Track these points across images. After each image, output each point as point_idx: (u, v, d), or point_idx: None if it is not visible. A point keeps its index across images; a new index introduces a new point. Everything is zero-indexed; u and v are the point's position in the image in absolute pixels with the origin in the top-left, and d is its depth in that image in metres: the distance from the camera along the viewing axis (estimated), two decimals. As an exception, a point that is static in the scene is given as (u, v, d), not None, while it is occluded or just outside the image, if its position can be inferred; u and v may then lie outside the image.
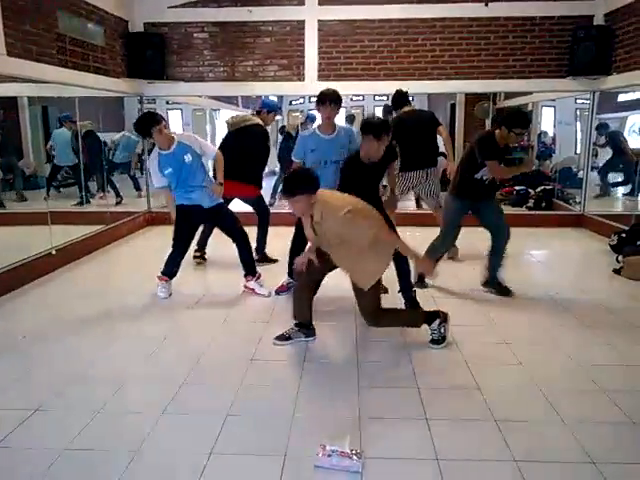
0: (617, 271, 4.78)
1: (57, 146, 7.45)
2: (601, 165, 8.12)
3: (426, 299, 3.99)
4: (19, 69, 4.57)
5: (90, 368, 3.00)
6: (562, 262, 5.50)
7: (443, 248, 4.38)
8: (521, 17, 6.56)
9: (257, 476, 2.08)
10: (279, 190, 8.64)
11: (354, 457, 2.09)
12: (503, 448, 2.22)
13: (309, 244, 3.34)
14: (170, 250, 4.22)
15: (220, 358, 3.14)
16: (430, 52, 6.71)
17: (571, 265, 5.43)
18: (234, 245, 4.32)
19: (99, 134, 7.68)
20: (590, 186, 7.17)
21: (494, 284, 4.19)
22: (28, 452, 2.22)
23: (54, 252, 5.00)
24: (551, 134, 9.78)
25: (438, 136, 5.15)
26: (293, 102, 10.67)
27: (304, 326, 3.31)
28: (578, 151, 8.58)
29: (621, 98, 7.72)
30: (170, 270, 4.22)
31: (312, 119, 8.06)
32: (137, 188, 8.31)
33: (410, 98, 5.39)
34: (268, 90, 6.88)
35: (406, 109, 5.15)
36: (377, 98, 10.06)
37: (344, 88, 6.78)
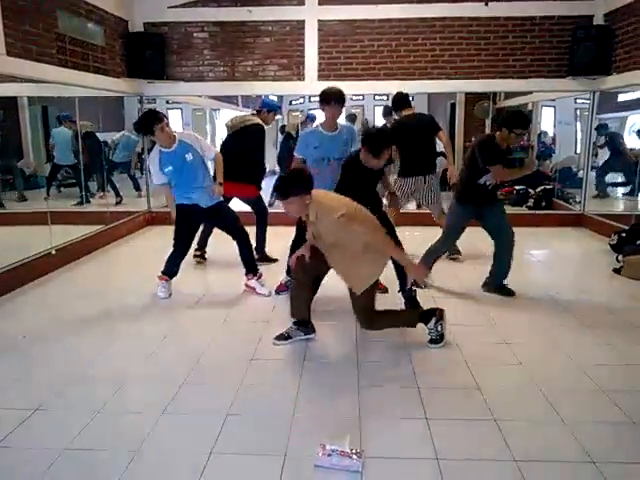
0: (617, 271, 4.78)
1: (57, 145, 7.45)
2: (598, 166, 8.12)
3: (426, 299, 3.99)
4: (19, 69, 4.57)
5: (90, 368, 3.00)
6: (562, 262, 5.50)
7: (443, 249, 4.37)
8: (521, 17, 6.56)
9: (257, 476, 2.08)
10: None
11: (354, 456, 2.09)
12: (503, 448, 2.22)
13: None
14: (171, 250, 4.22)
15: (220, 358, 3.14)
16: (430, 52, 6.71)
17: (571, 265, 5.43)
18: (234, 244, 4.32)
19: (99, 134, 7.68)
20: (590, 186, 7.18)
21: (498, 288, 4.16)
22: (28, 452, 2.22)
23: (54, 252, 5.00)
24: (551, 134, 9.78)
25: (437, 140, 5.14)
26: (293, 102, 10.67)
27: (302, 324, 3.31)
28: (578, 151, 8.59)
29: (621, 98, 7.73)
30: (170, 270, 4.22)
31: (312, 119, 8.06)
32: (137, 188, 8.31)
33: (410, 98, 5.39)
34: (268, 90, 6.88)
35: (406, 112, 5.13)
36: (377, 98, 10.06)
37: (344, 88, 6.70)
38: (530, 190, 7.93)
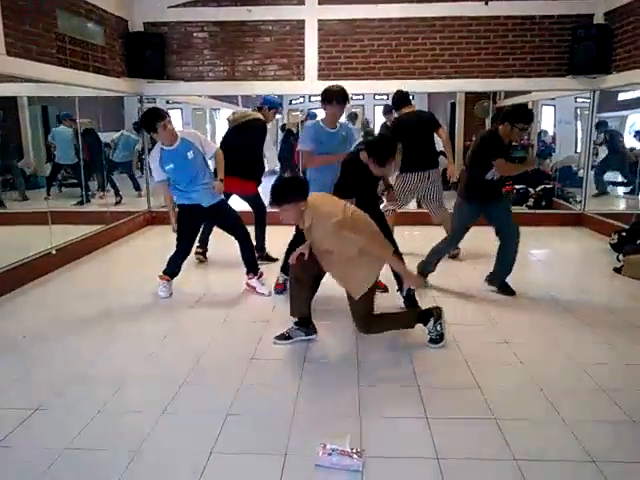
0: (617, 270, 4.78)
1: (57, 144, 7.45)
2: (596, 164, 8.13)
3: (426, 298, 4.00)
4: (19, 69, 4.57)
5: (90, 368, 2.99)
6: (562, 261, 5.50)
7: (448, 249, 4.32)
8: (521, 16, 6.56)
9: (257, 475, 2.08)
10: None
11: (354, 456, 2.09)
12: (503, 447, 2.22)
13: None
14: (173, 250, 4.22)
15: (220, 358, 3.14)
16: (430, 51, 6.71)
17: (571, 264, 5.43)
18: (235, 244, 4.32)
19: (99, 134, 7.68)
20: (590, 185, 7.18)
21: (500, 285, 4.15)
22: (28, 452, 2.22)
23: (54, 252, 5.00)
24: (551, 133, 9.78)
25: (437, 137, 5.15)
26: (293, 101, 10.66)
27: (303, 324, 3.31)
28: (578, 150, 8.59)
29: (621, 97, 7.73)
30: (172, 270, 4.22)
31: (313, 117, 8.05)
32: (137, 188, 8.31)
33: (410, 97, 5.39)
34: (268, 89, 6.86)
35: (406, 110, 5.15)
36: (377, 97, 10.06)
37: (344, 87, 6.82)
38: (530, 189, 7.93)
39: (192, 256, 4.82)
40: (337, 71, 6.78)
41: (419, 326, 3.24)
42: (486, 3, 6.42)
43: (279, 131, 10.12)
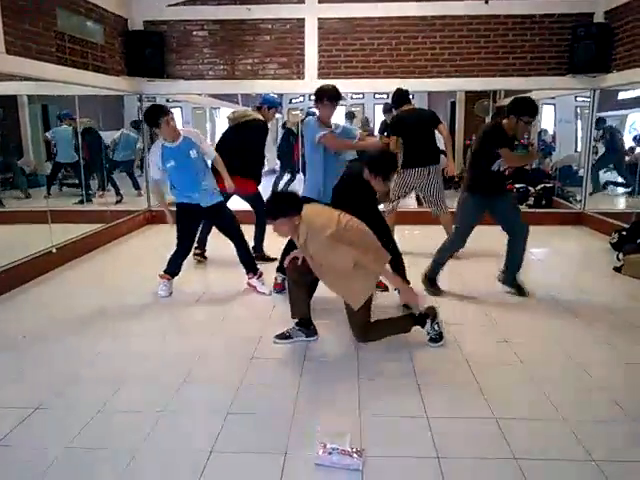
0: (618, 269, 4.78)
1: (58, 143, 7.45)
2: (594, 162, 8.14)
3: (426, 298, 4.00)
4: (18, 67, 4.57)
5: (90, 368, 2.99)
6: (562, 260, 5.50)
7: (453, 248, 4.21)
8: (521, 15, 6.55)
9: (258, 475, 2.08)
10: (279, 188, 8.64)
11: (355, 455, 2.09)
12: (504, 446, 2.22)
13: None
14: (174, 249, 4.23)
15: (220, 357, 3.14)
16: (430, 50, 6.71)
17: (571, 263, 5.43)
18: (232, 243, 4.32)
19: (100, 132, 7.66)
20: (589, 184, 7.17)
21: (513, 284, 4.12)
22: (28, 451, 2.22)
23: (54, 250, 5.00)
24: (551, 132, 9.77)
25: (437, 135, 5.15)
26: (293, 100, 10.65)
27: (304, 324, 3.30)
28: (578, 149, 8.58)
29: (621, 96, 7.72)
30: (172, 269, 4.22)
31: (313, 114, 8.04)
32: (136, 187, 8.30)
33: (410, 96, 5.39)
34: (268, 88, 6.86)
35: (406, 107, 5.15)
36: (377, 96, 10.04)
37: (344, 86, 6.76)
38: (530, 188, 7.92)
39: (191, 256, 4.82)
40: (337, 70, 6.78)
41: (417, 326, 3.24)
42: (486, 2, 6.41)
43: (279, 129, 10.08)
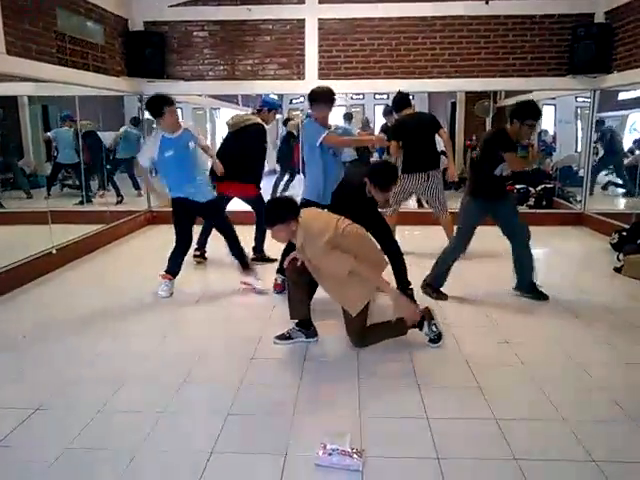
0: (618, 270, 4.78)
1: (59, 145, 7.45)
2: (594, 163, 8.14)
3: (426, 298, 4.00)
4: (19, 68, 4.57)
5: (90, 368, 2.99)
6: (563, 261, 5.49)
7: (454, 255, 4.12)
8: (521, 15, 6.56)
9: (258, 475, 2.08)
10: (279, 189, 8.64)
11: (355, 456, 2.09)
12: (504, 447, 2.22)
13: None
14: (173, 247, 4.23)
15: (220, 357, 3.14)
16: (430, 50, 6.71)
17: (572, 264, 5.43)
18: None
19: (100, 133, 7.67)
20: (589, 185, 7.17)
21: (529, 289, 4.06)
22: (28, 452, 2.22)
23: (54, 251, 5.00)
24: (551, 132, 9.77)
25: (438, 138, 5.15)
26: (294, 101, 10.65)
27: (304, 325, 3.30)
28: (578, 150, 8.58)
29: (622, 96, 7.71)
30: (173, 269, 4.23)
31: (310, 116, 8.02)
32: (136, 187, 8.30)
33: (410, 97, 5.40)
34: (268, 89, 6.87)
35: (407, 111, 5.15)
36: (377, 97, 10.05)
37: (344, 87, 6.84)
38: (531, 189, 7.93)
39: (191, 257, 4.83)
40: (337, 70, 6.78)
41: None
42: (486, 2, 6.42)
43: (282, 127, 10.05)
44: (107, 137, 7.99)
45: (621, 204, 8.28)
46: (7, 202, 7.05)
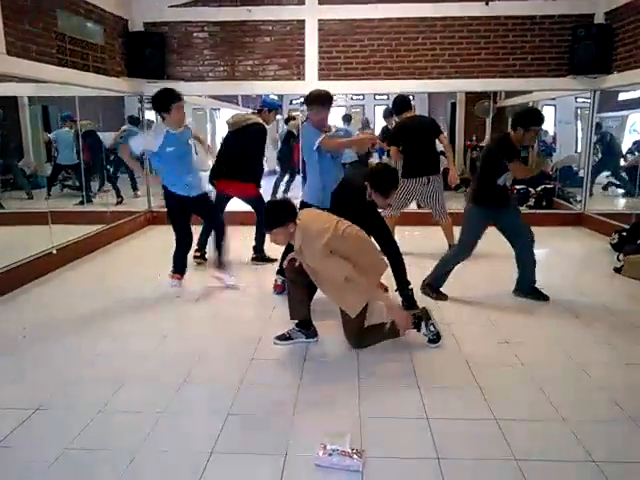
0: (618, 270, 4.78)
1: (59, 146, 7.45)
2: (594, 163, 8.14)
3: (425, 299, 4.00)
4: (19, 68, 4.57)
5: (90, 368, 2.99)
6: (563, 261, 5.49)
7: (457, 259, 4.11)
8: (521, 16, 6.56)
9: (258, 475, 2.08)
10: (279, 189, 8.65)
11: (355, 456, 2.09)
12: (504, 447, 2.22)
13: None
14: (175, 247, 4.25)
15: (220, 357, 3.14)
16: (430, 51, 6.71)
17: (572, 264, 5.43)
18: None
19: (100, 134, 7.67)
20: (589, 185, 7.18)
21: (530, 291, 4.07)
22: (28, 452, 2.22)
23: (55, 252, 5.00)
24: (551, 133, 9.78)
25: (438, 142, 5.15)
26: (294, 101, 10.66)
27: (304, 325, 3.30)
28: (578, 150, 8.59)
29: (622, 97, 7.72)
30: (179, 268, 4.28)
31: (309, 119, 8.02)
32: (134, 188, 8.31)
33: (410, 97, 5.40)
34: (268, 89, 6.88)
35: (408, 114, 5.15)
36: (377, 97, 10.06)
37: (344, 87, 6.85)
38: (530, 189, 7.93)
39: (191, 259, 4.82)
40: (337, 71, 6.78)
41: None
42: (486, 3, 6.42)
43: (282, 126, 10.04)
44: (107, 137, 7.99)
45: (621, 204, 8.28)
46: (7, 202, 7.05)
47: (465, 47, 6.67)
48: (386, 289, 4.00)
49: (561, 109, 9.37)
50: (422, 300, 3.86)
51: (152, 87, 6.95)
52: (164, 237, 4.49)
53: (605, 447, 2.23)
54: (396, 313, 3.08)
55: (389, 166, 4.02)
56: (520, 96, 8.59)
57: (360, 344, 3.16)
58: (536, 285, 4.08)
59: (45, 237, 4.99)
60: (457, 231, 4.61)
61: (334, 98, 4.07)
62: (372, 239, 3.43)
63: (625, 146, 8.36)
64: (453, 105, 9.57)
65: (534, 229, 4.07)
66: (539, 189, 7.85)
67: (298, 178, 8.47)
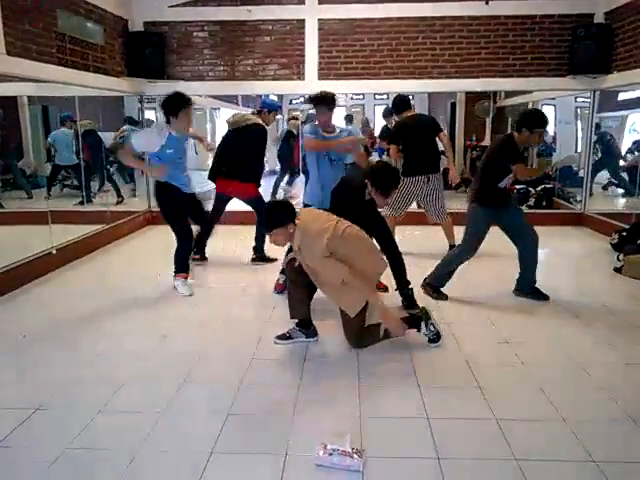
0: (618, 270, 4.78)
1: (57, 147, 7.44)
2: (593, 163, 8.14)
3: (425, 298, 4.00)
4: (19, 68, 4.57)
5: (90, 368, 2.99)
6: (563, 261, 5.49)
7: (460, 259, 4.10)
8: (521, 15, 6.56)
9: (258, 475, 2.08)
10: (279, 189, 8.65)
11: (355, 456, 2.09)
12: (504, 447, 2.22)
13: None
14: (176, 247, 4.25)
15: (220, 357, 3.14)
16: (430, 50, 6.71)
17: (572, 264, 5.43)
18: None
19: (100, 133, 7.66)
20: (589, 185, 7.18)
21: (530, 291, 4.07)
22: (28, 452, 2.22)
23: (54, 251, 5.00)
24: (551, 133, 9.77)
25: (438, 141, 5.15)
26: (293, 101, 10.66)
27: (304, 325, 3.30)
28: (578, 150, 8.59)
29: (621, 97, 7.72)
30: (183, 268, 4.27)
31: (312, 120, 8.03)
32: (132, 188, 8.31)
33: (410, 97, 5.40)
34: (268, 89, 6.88)
35: (408, 114, 5.15)
36: (377, 97, 10.05)
37: (344, 87, 6.84)
38: (531, 189, 7.93)
39: (191, 260, 4.82)
40: (337, 71, 6.78)
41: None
42: (486, 3, 6.42)
43: (283, 126, 10.03)
44: (108, 137, 7.98)
45: (621, 204, 8.28)
46: (7, 202, 7.04)
47: (465, 47, 6.67)
48: (386, 289, 4.01)
49: (561, 109, 9.37)
50: (422, 300, 3.86)
51: (152, 87, 6.99)
52: (164, 237, 4.50)
53: (605, 447, 2.23)
54: (389, 320, 3.07)
55: (390, 164, 4.02)
56: (520, 96, 8.59)
57: (360, 344, 3.16)
58: (536, 285, 4.07)
59: (45, 237, 4.99)
60: (457, 231, 4.64)
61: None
62: (372, 239, 3.43)
63: (625, 146, 8.35)
64: (453, 105, 9.57)
65: (534, 229, 4.06)
66: (539, 189, 7.84)
67: (299, 178, 8.48)
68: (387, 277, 3.72)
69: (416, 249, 5.18)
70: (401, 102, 5.22)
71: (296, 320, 3.32)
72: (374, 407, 2.54)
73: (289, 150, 8.64)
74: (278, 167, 9.16)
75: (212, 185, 5.11)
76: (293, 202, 3.29)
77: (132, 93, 6.98)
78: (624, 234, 5.32)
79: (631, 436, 2.32)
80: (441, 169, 5.27)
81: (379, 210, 3.80)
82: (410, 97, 5.49)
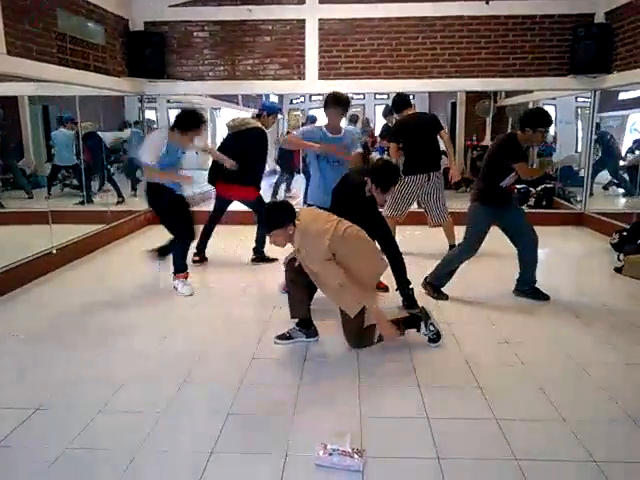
0: (618, 270, 4.78)
1: (56, 147, 7.45)
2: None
3: (425, 298, 3.99)
4: (19, 68, 4.57)
5: (90, 368, 2.99)
6: (563, 261, 5.49)
7: (460, 258, 4.10)
8: (521, 15, 6.56)
9: (258, 475, 2.08)
10: (280, 190, 8.65)
11: (355, 456, 2.09)
12: (504, 447, 2.22)
13: None
14: (174, 246, 4.26)
15: (220, 357, 3.14)
16: (430, 50, 6.71)
17: (572, 264, 5.43)
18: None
19: (100, 133, 7.66)
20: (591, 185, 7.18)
21: (530, 291, 4.06)
22: (28, 452, 2.22)
23: (55, 251, 5.00)
24: (552, 133, 9.76)
25: (439, 139, 5.15)
26: (294, 101, 10.66)
27: (304, 325, 3.30)
28: (579, 150, 8.59)
29: (622, 96, 7.72)
30: (182, 268, 4.27)
31: (312, 120, 8.02)
32: (133, 188, 8.31)
33: (410, 96, 5.40)
34: (268, 89, 6.89)
35: (408, 112, 5.15)
36: (377, 97, 10.06)
37: (344, 87, 6.82)
38: (531, 189, 7.92)
39: (190, 261, 4.82)
40: (337, 70, 6.78)
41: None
42: (487, 2, 6.41)
43: (284, 124, 10.03)
44: (108, 137, 7.99)
45: (621, 204, 8.27)
46: (7, 202, 7.04)
47: (465, 46, 6.67)
48: (387, 289, 4.01)
49: (561, 109, 9.36)
50: (423, 299, 3.86)
51: (153, 87, 7.00)
52: (164, 237, 4.49)
53: (605, 447, 2.23)
54: (383, 326, 3.05)
55: (390, 162, 4.02)
56: (520, 96, 8.59)
57: (359, 344, 3.16)
58: (536, 285, 4.07)
59: (45, 237, 4.99)
60: (458, 231, 4.64)
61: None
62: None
63: (625, 146, 8.35)
64: (453, 105, 9.56)
65: (534, 229, 4.06)
66: (539, 189, 7.84)
67: (298, 177, 8.48)
68: (387, 277, 3.72)
69: (416, 249, 5.18)
70: (401, 100, 5.22)
71: (296, 320, 3.32)
72: (374, 407, 2.54)
73: (289, 152, 8.64)
74: (278, 167, 9.16)
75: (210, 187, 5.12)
76: (293, 202, 3.30)
77: (132, 93, 6.98)
78: (624, 234, 5.31)
79: (631, 436, 2.32)
80: (442, 168, 5.27)
81: (380, 210, 3.80)
82: (411, 97, 5.47)
